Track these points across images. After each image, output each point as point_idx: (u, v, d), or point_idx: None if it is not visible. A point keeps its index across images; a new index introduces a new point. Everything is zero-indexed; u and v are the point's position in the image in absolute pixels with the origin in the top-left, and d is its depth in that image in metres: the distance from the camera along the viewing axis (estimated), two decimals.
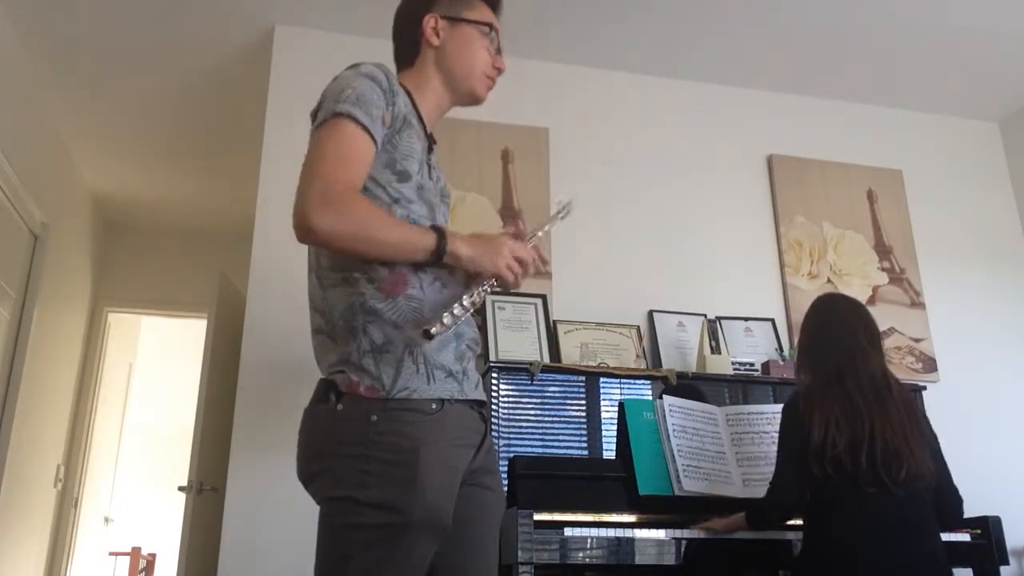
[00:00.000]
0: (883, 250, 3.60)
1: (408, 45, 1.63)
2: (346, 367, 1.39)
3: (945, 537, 2.42)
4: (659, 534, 2.23)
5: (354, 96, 1.42)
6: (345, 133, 1.40)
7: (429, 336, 1.34)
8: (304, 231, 1.35)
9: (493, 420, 2.60)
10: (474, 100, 1.67)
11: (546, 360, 2.89)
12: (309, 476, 1.40)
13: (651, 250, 3.36)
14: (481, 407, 1.50)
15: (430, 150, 1.59)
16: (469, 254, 1.44)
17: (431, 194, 1.53)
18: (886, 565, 1.97)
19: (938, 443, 2.24)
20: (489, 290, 1.47)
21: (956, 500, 2.23)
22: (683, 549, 2.24)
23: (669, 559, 2.23)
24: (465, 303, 1.40)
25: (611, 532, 2.21)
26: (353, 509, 1.32)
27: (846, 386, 2.13)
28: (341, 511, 1.33)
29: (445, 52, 1.61)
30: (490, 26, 1.64)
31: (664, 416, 2.53)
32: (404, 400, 1.36)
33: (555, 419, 2.67)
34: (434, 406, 1.38)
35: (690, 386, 2.78)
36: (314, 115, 1.48)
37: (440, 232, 1.41)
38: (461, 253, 1.43)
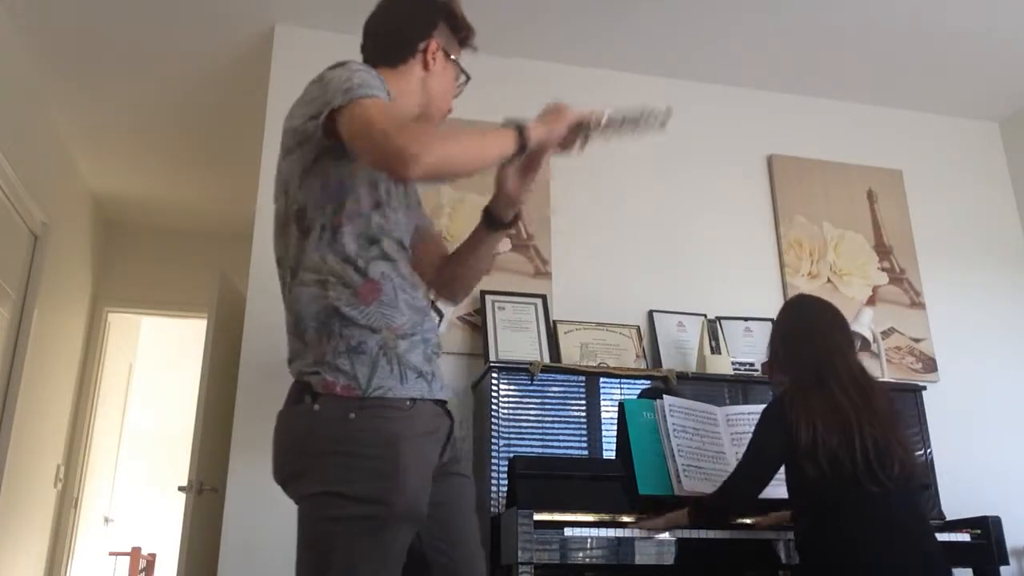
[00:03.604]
0: (883, 250, 3.60)
1: (402, 50, 1.64)
2: (321, 368, 1.41)
3: (945, 537, 2.42)
4: (659, 534, 2.23)
5: (359, 81, 1.42)
6: (375, 101, 1.40)
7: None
8: (412, 166, 1.30)
9: (493, 420, 2.60)
10: None
11: (546, 360, 2.89)
12: (287, 476, 1.44)
13: (651, 250, 3.36)
14: (445, 405, 1.54)
15: None
16: (543, 130, 1.51)
17: (410, 198, 1.60)
18: (895, 564, 1.95)
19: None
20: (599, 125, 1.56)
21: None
22: (683, 549, 2.24)
23: (669, 559, 2.23)
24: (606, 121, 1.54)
25: (611, 532, 2.21)
26: (337, 503, 1.34)
27: (828, 386, 2.12)
28: (324, 506, 1.36)
29: (434, 80, 1.66)
30: (468, 78, 1.72)
31: (664, 416, 2.53)
32: (380, 398, 1.39)
33: (555, 419, 2.67)
34: (408, 403, 1.41)
35: (666, 387, 2.75)
36: (315, 114, 1.45)
37: (519, 129, 1.46)
38: (539, 135, 1.50)
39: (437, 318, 2.72)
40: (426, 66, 1.64)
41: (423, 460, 1.41)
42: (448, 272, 1.76)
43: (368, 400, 1.38)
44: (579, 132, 1.57)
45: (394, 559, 1.37)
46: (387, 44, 1.65)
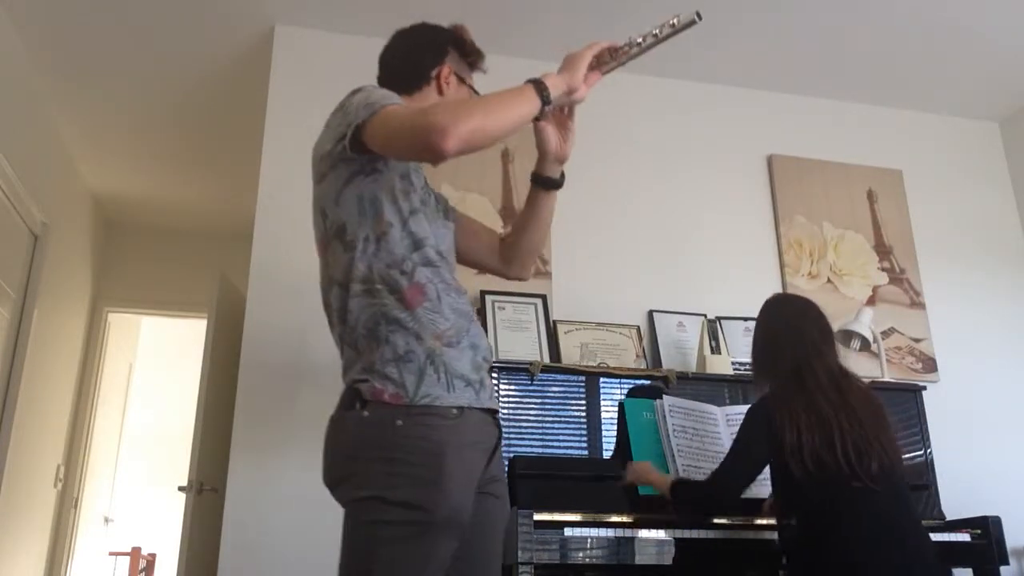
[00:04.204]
0: (883, 250, 3.60)
1: (416, 77, 1.69)
2: (370, 376, 1.45)
3: (945, 537, 2.42)
4: (659, 534, 2.23)
5: (379, 96, 1.49)
6: (399, 106, 1.47)
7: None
8: (445, 139, 1.34)
9: None
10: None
11: (546, 360, 2.89)
12: (336, 480, 1.46)
13: (651, 250, 3.36)
14: (494, 415, 1.56)
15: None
16: (563, 80, 1.54)
17: (431, 210, 1.62)
18: (890, 563, 1.95)
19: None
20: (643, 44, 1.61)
21: None
22: (683, 549, 2.24)
23: (669, 559, 2.23)
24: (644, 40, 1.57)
25: (611, 532, 2.21)
26: (380, 508, 1.37)
27: (807, 386, 2.12)
28: (368, 510, 1.39)
29: None
30: None
31: (664, 416, 2.53)
32: (427, 406, 1.42)
33: (555, 419, 2.67)
34: (454, 412, 1.44)
35: (654, 387, 2.75)
36: (342, 136, 1.49)
37: (536, 83, 1.50)
38: (559, 86, 1.53)
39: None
40: (440, 91, 1.70)
41: (467, 469, 1.44)
42: (512, 248, 1.82)
43: (415, 408, 1.41)
44: (608, 61, 1.60)
45: (435, 566, 1.39)
46: (402, 73, 1.71)
